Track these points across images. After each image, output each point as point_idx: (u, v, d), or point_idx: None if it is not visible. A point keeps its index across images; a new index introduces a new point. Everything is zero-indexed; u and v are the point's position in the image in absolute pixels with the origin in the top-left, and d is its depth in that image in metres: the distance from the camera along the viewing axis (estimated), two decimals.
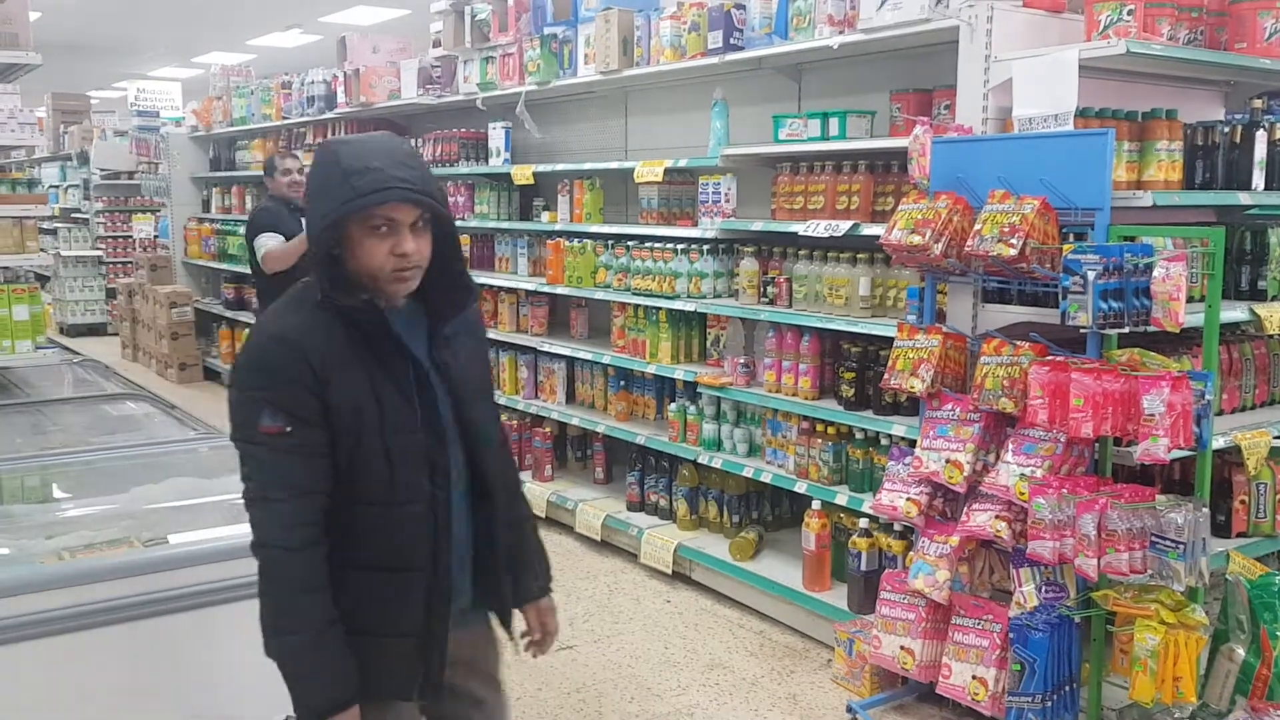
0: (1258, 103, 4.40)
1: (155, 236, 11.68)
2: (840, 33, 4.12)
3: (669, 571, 4.82)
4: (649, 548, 4.90)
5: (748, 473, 4.59)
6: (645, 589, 4.77)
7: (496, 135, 6.15)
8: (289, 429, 1.85)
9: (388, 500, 1.93)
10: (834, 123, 4.28)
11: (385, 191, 1.83)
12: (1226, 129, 3.60)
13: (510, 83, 5.94)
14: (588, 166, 5.52)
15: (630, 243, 5.19)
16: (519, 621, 2.27)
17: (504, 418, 4.88)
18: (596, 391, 5.73)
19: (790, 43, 4.38)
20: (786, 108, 4.80)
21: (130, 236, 13.02)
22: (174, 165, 11.07)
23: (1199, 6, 3.61)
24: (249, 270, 6.04)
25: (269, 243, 5.40)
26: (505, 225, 6.20)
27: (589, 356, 5.53)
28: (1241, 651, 3.05)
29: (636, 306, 5.16)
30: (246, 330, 9.21)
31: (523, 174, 5.81)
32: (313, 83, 8.32)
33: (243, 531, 1.91)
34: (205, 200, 10.95)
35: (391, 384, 1.93)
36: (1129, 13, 3.35)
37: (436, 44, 6.67)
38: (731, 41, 4.61)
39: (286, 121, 8.90)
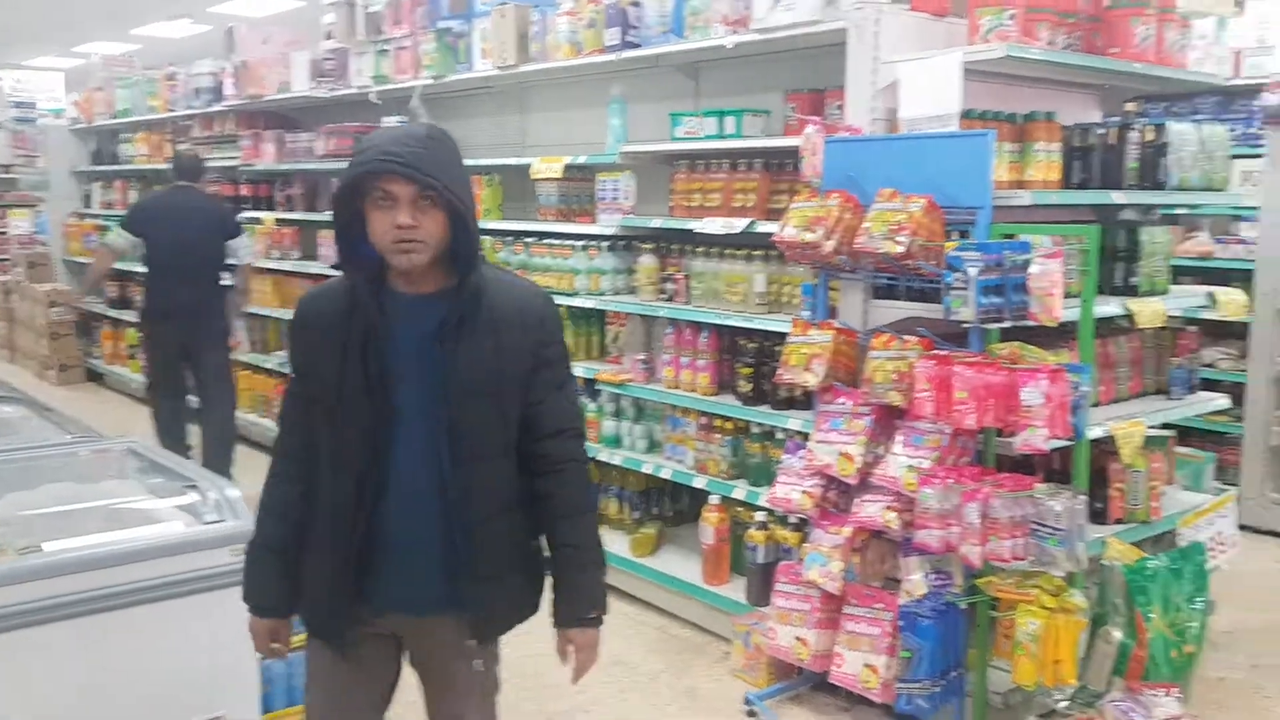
0: (1131, 105, 4.59)
1: (33, 233, 11.21)
2: (734, 32, 4.16)
3: None
4: None
5: (648, 469, 4.61)
6: (546, 588, 4.75)
7: None
8: (292, 375, 2.20)
9: (332, 465, 2.09)
10: (730, 121, 4.32)
11: (371, 164, 1.94)
12: (1102, 131, 3.73)
13: (405, 76, 5.86)
14: (485, 162, 5.48)
15: (529, 239, 5.16)
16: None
17: None
18: None
19: (686, 41, 4.41)
20: (684, 105, 4.83)
21: (5, 233, 12.47)
22: (53, 159, 10.64)
23: (1076, 12, 3.74)
24: (146, 268, 5.92)
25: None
26: None
27: None
28: (1118, 634, 3.18)
29: None
30: (130, 330, 8.91)
31: None
32: (200, 74, 8.09)
33: (125, 538, 1.87)
34: (86, 195, 10.54)
35: (359, 359, 2.03)
36: (1010, 17, 3.46)
37: (329, 36, 6.55)
38: (628, 39, 4.62)
39: (172, 114, 8.63)
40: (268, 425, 7.13)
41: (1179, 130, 3.82)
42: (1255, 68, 5.62)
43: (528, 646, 4.12)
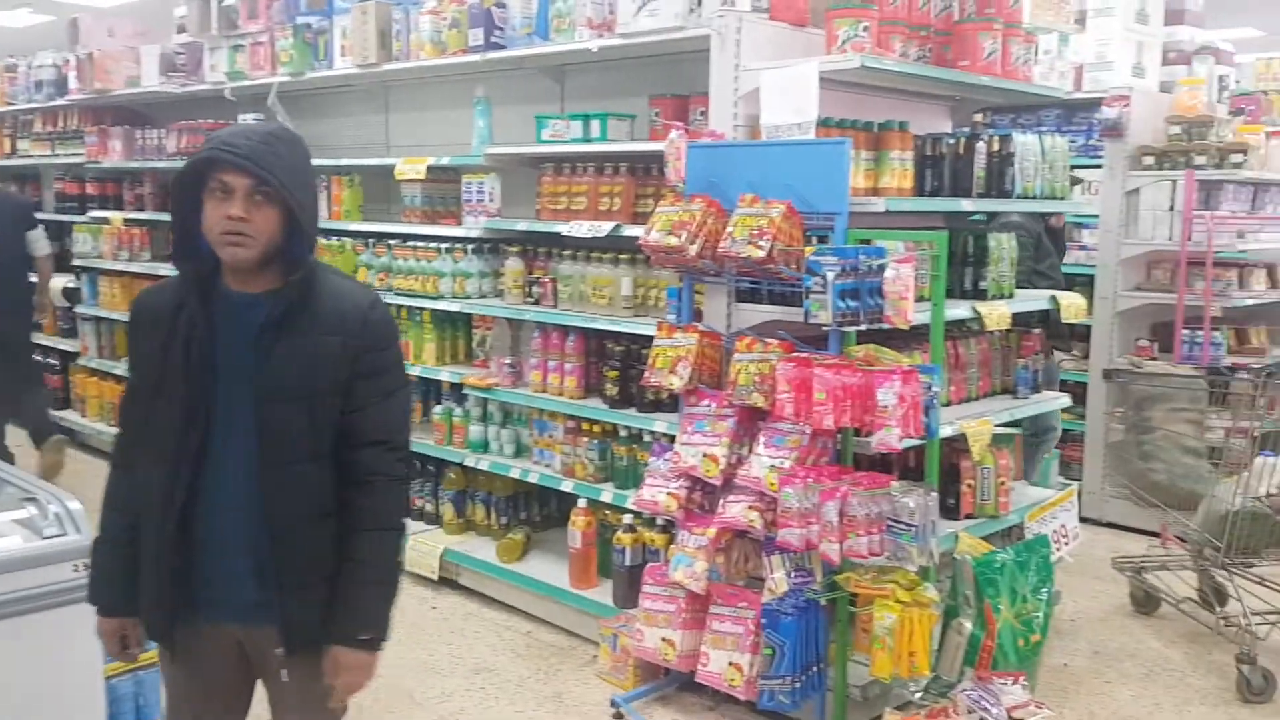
0: (979, 117, 4.78)
1: None
2: (600, 36, 4.18)
3: (435, 577, 4.74)
4: (414, 554, 4.81)
5: (515, 473, 4.58)
6: (410, 596, 4.67)
7: None
8: (129, 370, 2.22)
9: (152, 461, 2.07)
10: (595, 125, 4.33)
11: (209, 153, 1.95)
12: (952, 141, 3.88)
13: (261, 73, 5.69)
14: (346, 162, 5.36)
15: (392, 241, 5.07)
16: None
17: None
18: None
19: (551, 44, 4.40)
20: (550, 108, 4.82)
21: None
22: None
23: (927, 25, 3.88)
24: None
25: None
26: None
27: None
28: (969, 625, 3.30)
29: (400, 307, 5.04)
30: None
31: None
32: (41, 66, 7.68)
33: None
34: None
35: (181, 355, 2.02)
36: (865, 29, 3.56)
37: (181, 29, 6.32)
38: (493, 40, 4.58)
39: (12, 107, 8.17)
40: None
41: (1023, 141, 4.00)
42: (1095, 82, 5.91)
43: (392, 659, 4.04)
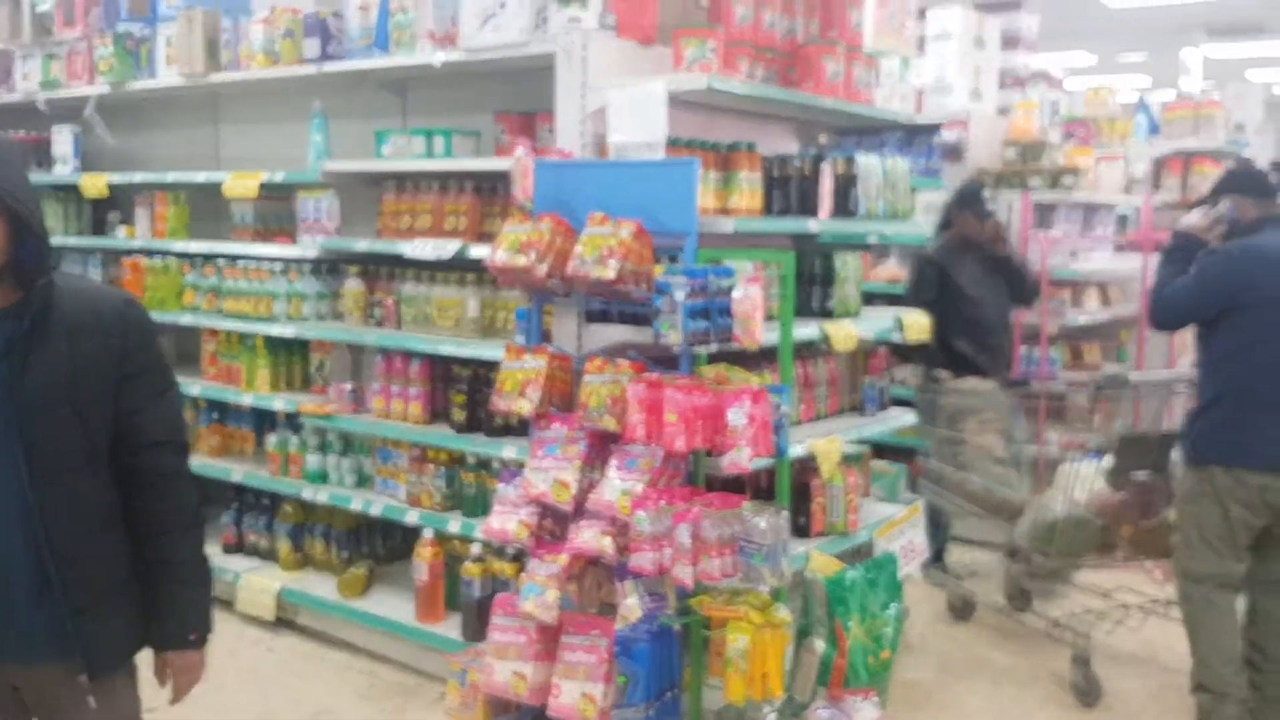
0: (823, 138, 4.85)
1: None
2: (442, 50, 4.05)
3: (271, 618, 4.48)
4: (247, 593, 4.54)
5: (357, 505, 4.38)
6: (243, 639, 4.40)
7: (63, 140, 5.49)
8: None
9: None
10: (439, 141, 4.20)
11: None
12: (799, 162, 3.90)
13: (78, 83, 5.34)
14: (172, 178, 5.06)
15: (221, 261, 4.81)
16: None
17: None
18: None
19: (391, 57, 4.25)
20: (392, 124, 4.66)
21: None
22: None
23: (773, 47, 3.90)
24: None
25: None
26: (74, 242, 5.54)
27: None
28: (821, 644, 3.28)
29: (230, 331, 4.79)
30: None
31: (95, 185, 5.22)
32: None
33: None
34: None
35: None
36: (711, 50, 3.54)
37: None
38: (329, 51, 4.40)
39: None
40: None
41: (866, 163, 4.05)
42: (935, 106, 6.10)
43: (224, 707, 3.79)
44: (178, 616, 2.12)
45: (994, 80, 6.28)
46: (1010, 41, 6.62)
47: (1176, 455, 4.08)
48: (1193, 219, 3.98)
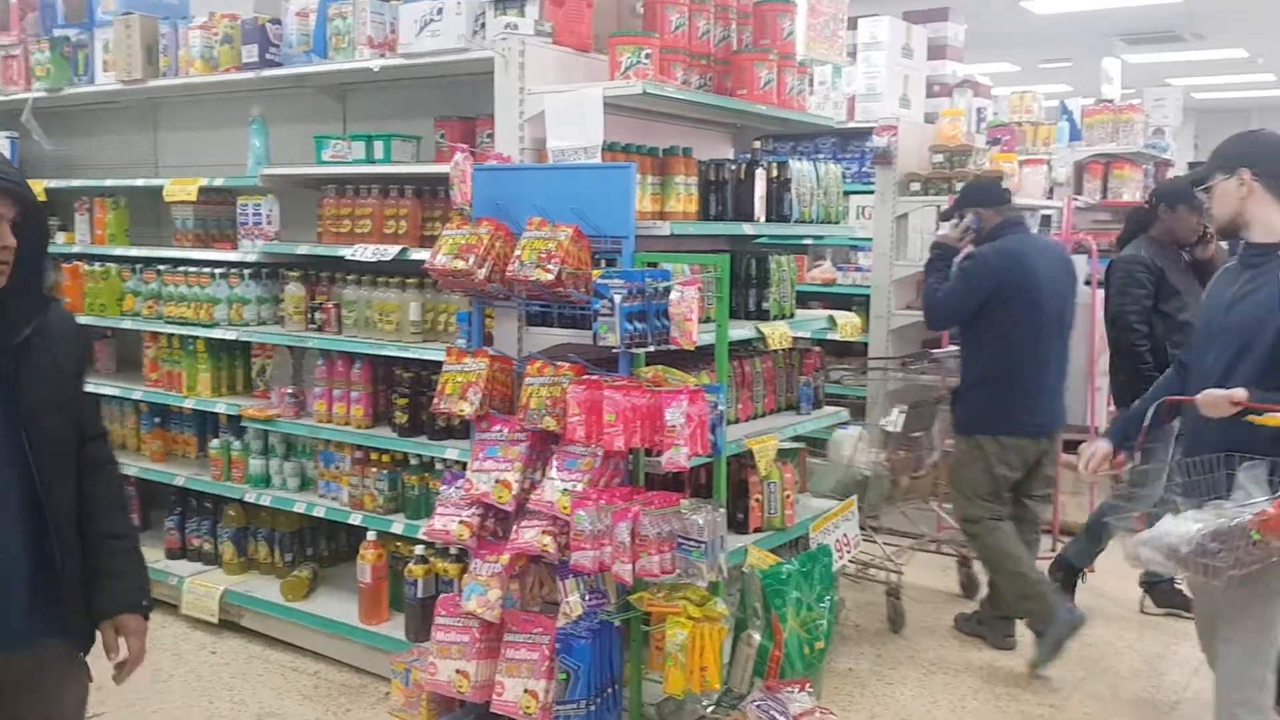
0: (757, 144, 4.95)
1: None
2: (381, 55, 4.09)
3: (215, 620, 4.48)
4: (191, 597, 4.53)
5: (300, 508, 4.40)
6: (188, 642, 4.40)
7: None
8: None
9: None
10: (379, 146, 4.24)
11: None
12: (734, 166, 3.99)
13: (14, 88, 5.28)
14: (111, 183, 5.03)
15: (162, 267, 4.80)
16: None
17: None
18: (128, 430, 5.22)
19: (330, 62, 4.28)
20: (332, 128, 4.69)
21: None
22: None
23: (708, 54, 3.99)
24: None
25: None
26: None
27: (116, 392, 5.03)
28: (758, 636, 3.38)
29: (171, 336, 4.77)
30: None
31: (33, 190, 5.15)
32: None
33: None
34: None
35: None
36: (647, 56, 3.62)
37: None
38: (268, 57, 4.42)
39: None
40: None
41: (799, 168, 4.16)
42: (866, 112, 6.24)
43: (169, 710, 3.81)
44: (130, 581, 2.26)
45: (922, 88, 6.44)
46: (938, 50, 6.79)
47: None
48: (946, 231, 4.70)
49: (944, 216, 4.93)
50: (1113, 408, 5.37)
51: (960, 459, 4.58)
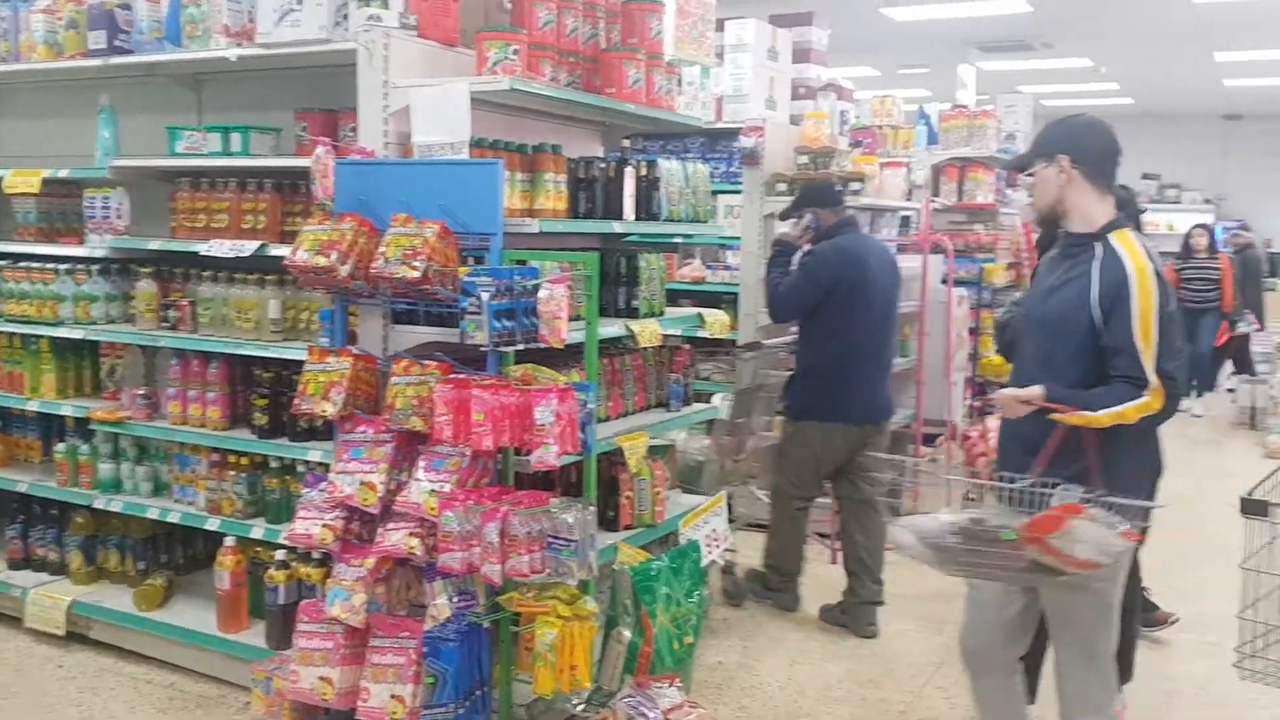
0: (626, 142, 4.97)
1: None
2: (238, 45, 3.95)
3: (62, 633, 4.26)
4: (36, 609, 4.30)
5: (153, 514, 4.22)
6: (32, 656, 4.18)
7: None
8: None
9: None
10: (236, 138, 4.09)
11: None
12: (603, 165, 4.00)
13: None
14: None
15: (2, 262, 4.53)
16: None
17: None
18: None
19: (184, 51, 4.11)
20: (187, 119, 4.50)
21: None
22: None
23: (576, 52, 3.98)
24: None
25: None
26: None
27: None
28: (628, 633, 3.40)
29: (12, 335, 4.51)
30: None
31: None
32: None
33: None
34: None
35: None
36: (514, 52, 3.59)
37: None
38: (117, 44, 4.22)
39: None
40: None
41: (668, 167, 4.20)
42: (734, 113, 6.32)
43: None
44: None
45: (788, 90, 6.57)
46: (802, 54, 6.93)
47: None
48: (786, 230, 5.01)
49: (783, 216, 5.22)
50: None
51: (786, 442, 4.92)
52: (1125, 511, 2.61)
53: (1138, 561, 3.85)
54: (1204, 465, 8.58)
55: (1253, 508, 3.07)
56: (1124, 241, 2.81)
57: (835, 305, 4.65)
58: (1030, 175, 2.99)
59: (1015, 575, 2.77)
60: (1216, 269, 10.53)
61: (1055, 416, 2.74)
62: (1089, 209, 2.90)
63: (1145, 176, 18.09)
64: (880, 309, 4.79)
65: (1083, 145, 2.92)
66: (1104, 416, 2.71)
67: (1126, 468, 2.80)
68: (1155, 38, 11.45)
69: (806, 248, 4.82)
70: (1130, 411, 2.70)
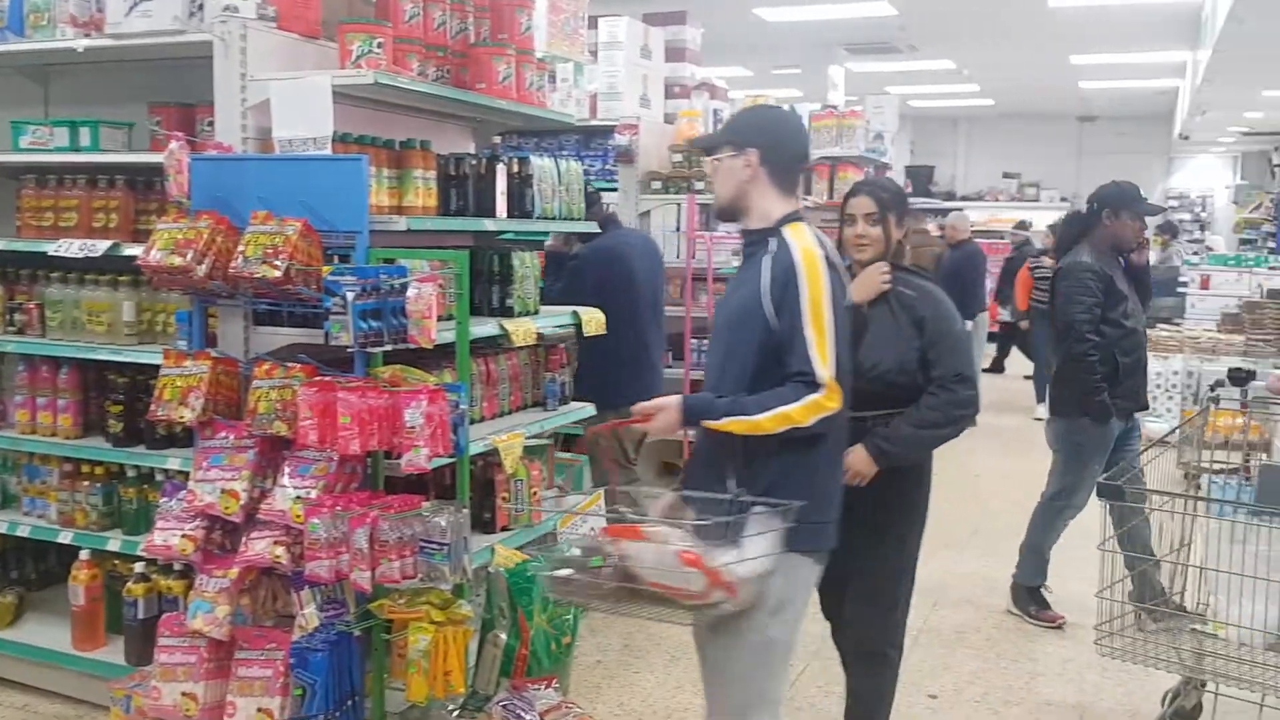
0: (498, 139, 4.92)
1: None
2: (86, 35, 3.77)
3: None
4: None
5: (1, 528, 4.00)
6: None
7: None
8: None
9: None
10: (85, 132, 3.91)
11: None
12: (475, 161, 3.94)
13: None
14: None
15: None
16: None
17: None
18: None
19: (28, 41, 3.90)
20: (32, 113, 4.28)
21: None
22: None
23: (445, 46, 3.91)
24: None
25: None
26: None
27: None
28: (504, 636, 3.36)
29: None
30: None
31: None
32: None
33: None
34: None
35: None
36: (379, 46, 3.51)
37: None
38: None
39: None
40: None
41: (541, 164, 4.16)
42: (608, 111, 6.33)
43: None
44: None
45: (661, 88, 6.61)
46: (676, 53, 6.99)
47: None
48: (549, 240, 5.26)
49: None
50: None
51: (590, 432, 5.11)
52: (708, 531, 2.38)
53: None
54: None
55: (1109, 492, 3.23)
56: (795, 232, 2.65)
57: (604, 302, 4.56)
58: (716, 160, 2.76)
59: (630, 608, 2.53)
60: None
61: (710, 425, 2.55)
62: (769, 208, 2.70)
63: (1006, 175, 18.85)
64: (647, 300, 5.12)
65: (776, 144, 2.73)
66: (766, 420, 2.49)
67: (813, 480, 2.59)
68: (1014, 41, 11.90)
69: (575, 250, 5.13)
70: (799, 413, 2.48)
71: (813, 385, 2.49)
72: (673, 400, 2.66)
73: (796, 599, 2.67)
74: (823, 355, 2.50)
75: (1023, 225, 13.44)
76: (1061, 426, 4.87)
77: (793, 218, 2.70)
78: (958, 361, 3.22)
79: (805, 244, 2.61)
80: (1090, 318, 4.59)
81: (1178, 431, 3.87)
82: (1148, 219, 5.04)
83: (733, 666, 2.65)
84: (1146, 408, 5.01)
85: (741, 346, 2.62)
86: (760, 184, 2.70)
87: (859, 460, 3.14)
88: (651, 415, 2.65)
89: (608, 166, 6.49)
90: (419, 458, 3.03)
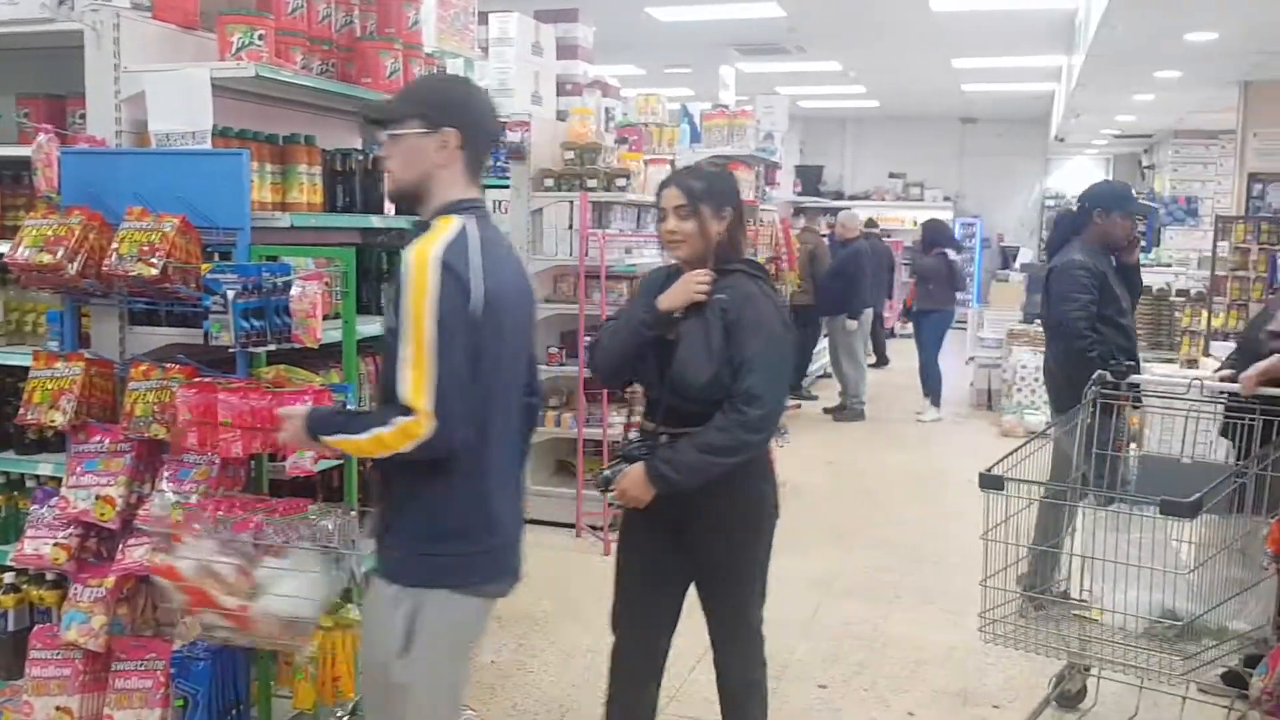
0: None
1: None
2: None
3: None
4: None
5: None
6: None
7: None
8: None
9: None
10: None
11: None
12: (361, 157, 3.88)
13: None
14: None
15: None
16: None
17: None
18: None
19: None
20: None
21: None
22: None
23: (330, 40, 3.83)
24: None
25: None
26: None
27: None
28: None
29: None
30: None
31: None
32: None
33: None
34: None
35: None
36: (260, 37, 3.42)
37: None
38: None
39: None
40: None
41: None
42: (499, 107, 6.28)
43: None
44: None
45: (553, 85, 6.59)
46: (568, 50, 6.98)
47: None
48: None
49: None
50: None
51: None
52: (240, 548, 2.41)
53: None
54: (944, 445, 9.24)
55: (990, 482, 3.33)
56: (436, 226, 2.33)
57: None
58: (397, 134, 2.40)
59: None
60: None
61: (326, 440, 2.40)
62: (452, 196, 2.40)
63: (892, 175, 19.33)
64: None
65: (475, 124, 2.42)
66: (365, 442, 2.27)
67: (450, 508, 2.34)
68: (899, 45, 12.19)
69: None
70: (390, 438, 2.21)
71: (403, 409, 2.20)
72: (300, 410, 2.50)
73: (435, 642, 2.32)
74: (415, 377, 2.19)
75: (871, 223, 13.60)
76: None
77: (463, 207, 2.38)
78: (755, 378, 2.82)
79: (425, 244, 2.26)
80: (1085, 315, 4.57)
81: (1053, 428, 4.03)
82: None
83: (382, 712, 2.42)
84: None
85: (387, 359, 2.35)
86: (454, 169, 2.39)
87: (634, 483, 2.87)
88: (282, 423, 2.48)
89: (500, 163, 6.44)
90: (304, 460, 2.98)
